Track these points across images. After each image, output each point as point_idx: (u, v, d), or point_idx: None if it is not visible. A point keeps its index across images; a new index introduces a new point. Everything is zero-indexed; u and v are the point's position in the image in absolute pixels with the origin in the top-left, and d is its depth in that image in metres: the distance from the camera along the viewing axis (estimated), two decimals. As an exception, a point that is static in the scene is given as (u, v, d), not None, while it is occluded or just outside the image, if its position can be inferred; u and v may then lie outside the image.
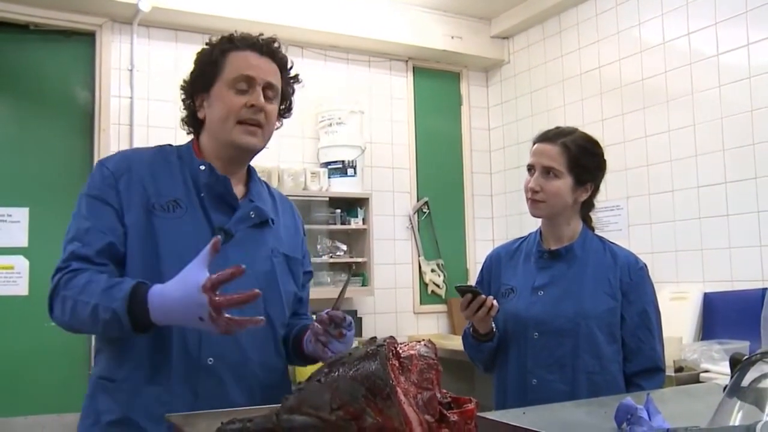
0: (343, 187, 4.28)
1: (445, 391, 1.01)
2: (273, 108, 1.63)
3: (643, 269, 2.03)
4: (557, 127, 2.09)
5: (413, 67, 4.85)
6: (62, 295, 1.45)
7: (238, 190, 1.64)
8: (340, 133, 4.29)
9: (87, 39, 3.92)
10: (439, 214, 4.81)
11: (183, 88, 1.68)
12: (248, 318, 1.31)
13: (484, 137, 5.07)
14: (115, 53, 3.93)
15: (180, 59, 4.05)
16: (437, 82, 4.96)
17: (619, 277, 1.99)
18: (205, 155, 1.63)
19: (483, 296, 1.92)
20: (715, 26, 3.48)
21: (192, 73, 1.65)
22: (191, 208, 1.55)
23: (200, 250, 1.47)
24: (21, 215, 3.70)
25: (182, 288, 1.30)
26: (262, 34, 1.65)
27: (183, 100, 1.68)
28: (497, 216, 4.99)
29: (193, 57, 1.66)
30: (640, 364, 1.97)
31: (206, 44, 1.64)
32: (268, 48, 1.63)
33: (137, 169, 1.56)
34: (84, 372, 3.72)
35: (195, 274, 1.29)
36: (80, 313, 1.42)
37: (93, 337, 3.72)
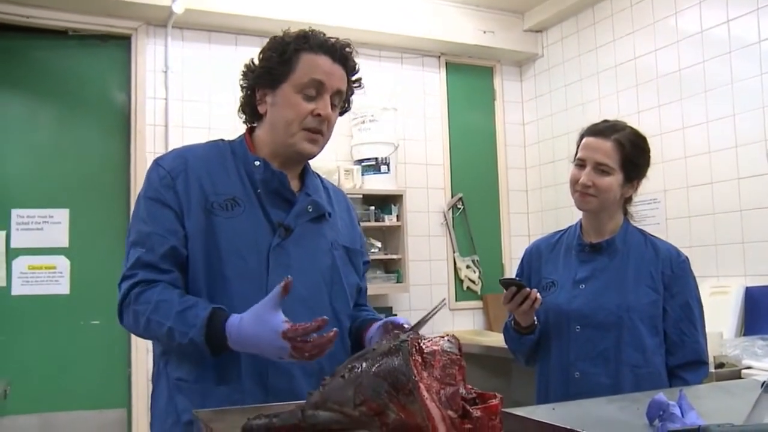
0: (376, 184, 4.28)
1: (470, 386, 1.00)
2: (335, 115, 1.63)
3: (685, 262, 2.03)
4: (606, 121, 2.08)
5: (446, 63, 4.82)
6: (134, 309, 1.48)
7: (294, 184, 1.63)
8: (373, 131, 4.29)
9: (123, 43, 3.98)
10: (473, 210, 4.78)
11: (245, 74, 1.64)
12: (325, 339, 1.31)
13: (518, 132, 5.02)
14: (150, 56, 3.99)
15: (213, 60, 4.10)
16: (470, 78, 4.92)
17: (661, 270, 1.99)
18: (258, 150, 1.62)
19: (527, 289, 1.92)
20: (756, 12, 3.38)
21: (261, 64, 1.60)
22: (249, 206, 1.55)
23: (260, 246, 1.52)
24: (62, 216, 3.79)
25: (260, 330, 1.32)
26: (337, 38, 1.62)
27: (242, 87, 1.65)
28: (532, 211, 4.94)
29: (264, 45, 1.61)
30: (683, 356, 1.97)
31: (278, 38, 1.60)
32: (341, 54, 1.60)
33: (193, 166, 1.56)
34: (123, 370, 3.80)
35: (271, 317, 1.31)
36: (155, 331, 1.46)
37: (146, 343, 3.77)
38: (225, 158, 1.60)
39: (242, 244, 1.52)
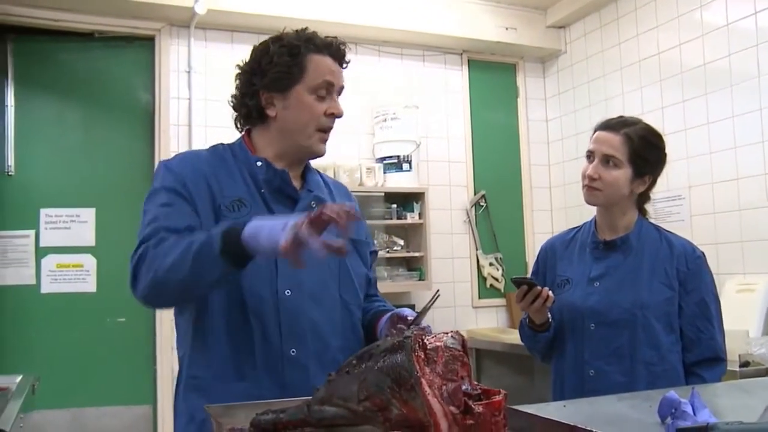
0: (398, 181, 4.28)
1: (475, 383, 1.00)
2: None
3: (700, 258, 2.00)
4: (620, 117, 2.08)
5: (468, 60, 4.80)
6: (150, 256, 1.43)
7: (296, 182, 1.66)
8: (395, 128, 4.29)
9: (147, 44, 4.04)
10: (496, 208, 4.76)
11: (247, 79, 1.63)
12: (334, 242, 1.24)
13: (541, 129, 4.99)
14: (173, 56, 4.04)
15: (236, 59, 4.10)
16: (493, 75, 4.90)
17: (675, 267, 1.97)
18: (259, 151, 1.64)
19: (539, 287, 1.92)
20: (784, 4, 3.33)
21: (273, 69, 1.59)
22: (255, 206, 1.57)
23: None
24: (88, 215, 3.86)
25: (277, 220, 1.30)
26: (336, 38, 1.65)
27: (243, 93, 1.64)
28: (556, 208, 4.91)
29: (263, 49, 1.62)
30: (699, 354, 1.95)
31: (282, 41, 1.60)
32: (342, 53, 1.65)
33: (200, 169, 1.59)
34: (149, 367, 3.86)
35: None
36: (168, 259, 1.39)
37: (170, 340, 3.85)
38: (227, 161, 1.63)
39: None
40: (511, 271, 4.67)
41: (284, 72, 1.58)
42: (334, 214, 1.24)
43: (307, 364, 1.52)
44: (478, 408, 0.91)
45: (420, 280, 4.26)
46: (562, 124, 4.86)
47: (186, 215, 1.51)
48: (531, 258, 4.78)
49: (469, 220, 4.68)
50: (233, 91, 1.69)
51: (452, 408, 0.90)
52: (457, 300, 4.60)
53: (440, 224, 4.54)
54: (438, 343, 0.96)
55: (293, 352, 1.51)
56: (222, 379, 1.50)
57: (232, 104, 1.69)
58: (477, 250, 4.67)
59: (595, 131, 2.05)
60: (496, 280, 4.68)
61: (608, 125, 2.02)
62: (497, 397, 0.95)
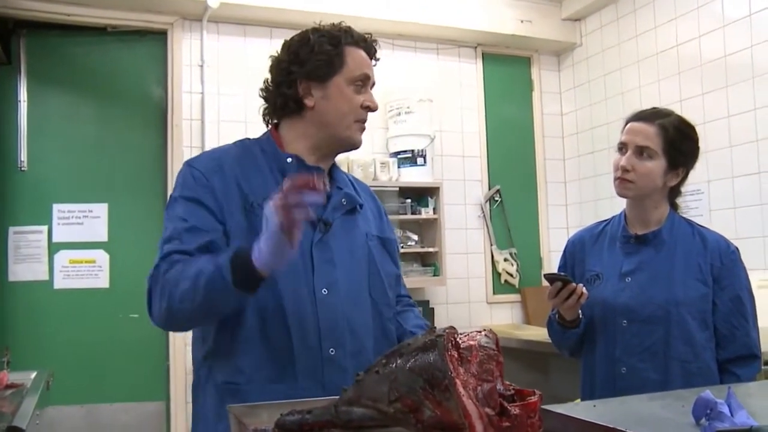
0: (413, 176, 4.24)
1: (508, 383, 0.97)
2: None
3: (734, 253, 1.96)
4: (654, 108, 2.04)
5: (482, 54, 4.75)
6: (161, 283, 1.42)
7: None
8: (409, 123, 4.25)
9: (160, 38, 4.02)
10: (511, 202, 4.72)
11: (286, 70, 1.60)
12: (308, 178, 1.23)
13: (556, 123, 4.94)
14: (186, 50, 4.01)
15: (248, 53, 4.10)
16: (507, 68, 4.85)
17: (709, 262, 1.92)
18: (287, 145, 1.61)
19: (573, 284, 1.87)
20: (809, -6, 3.26)
21: (316, 57, 1.57)
22: None
23: (303, 243, 1.48)
24: (101, 211, 3.84)
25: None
26: (370, 34, 1.66)
27: (280, 83, 1.60)
28: (571, 203, 4.85)
29: (302, 39, 1.60)
30: (734, 351, 1.91)
31: (322, 33, 1.59)
32: (374, 50, 1.66)
33: (229, 167, 1.55)
34: (162, 363, 3.84)
35: None
36: (181, 286, 1.39)
37: (184, 337, 3.81)
38: (256, 157, 1.60)
39: None
40: (526, 267, 4.64)
41: (325, 61, 1.57)
42: (302, 181, 1.23)
43: (345, 364, 1.50)
44: (514, 410, 0.87)
45: (434, 275, 4.22)
46: (577, 118, 4.80)
47: (201, 231, 1.48)
48: (546, 253, 4.74)
49: (484, 215, 4.64)
50: (262, 84, 1.67)
51: (488, 409, 0.87)
52: (471, 296, 4.56)
53: (455, 219, 4.50)
54: (472, 342, 0.92)
55: (332, 351, 1.49)
56: (260, 380, 1.47)
57: (263, 95, 1.66)
58: (492, 245, 4.63)
59: (627, 123, 2.00)
60: (511, 275, 4.64)
61: (642, 116, 1.97)
62: (533, 398, 0.91)
